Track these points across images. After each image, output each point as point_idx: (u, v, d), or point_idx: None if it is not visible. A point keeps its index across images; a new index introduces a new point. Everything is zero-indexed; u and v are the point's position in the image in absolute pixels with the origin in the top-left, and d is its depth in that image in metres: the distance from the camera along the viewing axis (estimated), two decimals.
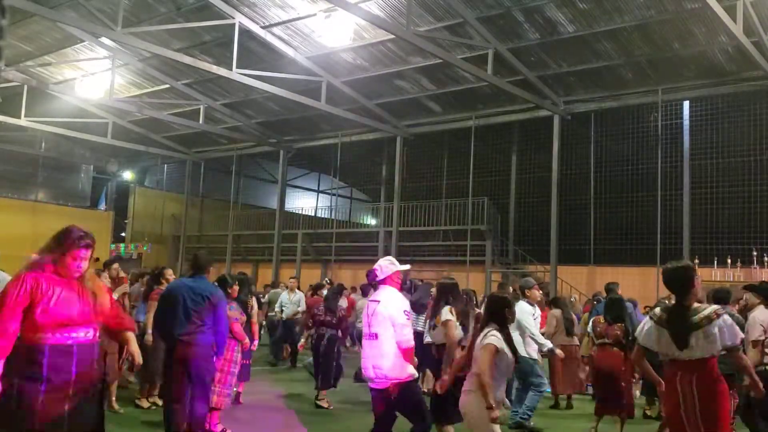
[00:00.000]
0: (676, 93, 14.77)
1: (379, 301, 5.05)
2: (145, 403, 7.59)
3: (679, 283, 4.05)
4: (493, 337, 4.36)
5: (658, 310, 4.21)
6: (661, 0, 11.80)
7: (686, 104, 16.04)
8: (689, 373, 3.92)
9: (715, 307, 3.98)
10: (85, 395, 3.48)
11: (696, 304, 3.99)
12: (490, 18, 13.04)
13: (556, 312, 9.04)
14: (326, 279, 15.32)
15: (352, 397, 8.74)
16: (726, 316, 3.95)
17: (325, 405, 8.16)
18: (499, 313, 4.54)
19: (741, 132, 15.32)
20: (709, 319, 3.88)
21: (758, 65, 12.31)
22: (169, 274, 7.86)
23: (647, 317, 4.28)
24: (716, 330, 3.86)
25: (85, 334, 3.50)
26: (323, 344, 8.30)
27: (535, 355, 7.49)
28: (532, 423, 7.40)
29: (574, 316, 9.45)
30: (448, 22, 13.43)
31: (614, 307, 7.22)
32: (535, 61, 14.41)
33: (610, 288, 9.24)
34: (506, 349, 4.37)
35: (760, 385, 4.13)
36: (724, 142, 15.61)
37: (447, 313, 6.22)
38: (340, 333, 8.80)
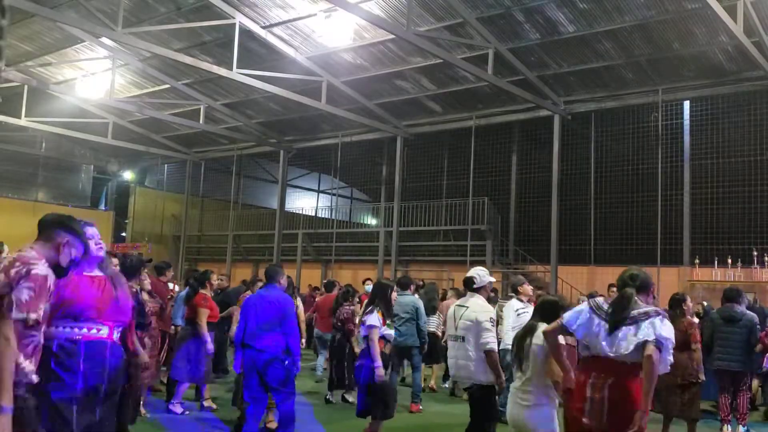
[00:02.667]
0: (677, 93, 14.78)
1: (467, 307, 5.47)
2: (178, 408, 7.48)
3: (628, 280, 3.93)
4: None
5: (601, 299, 4.07)
6: (661, 0, 11.80)
7: (686, 104, 16.04)
8: (603, 377, 3.72)
9: (655, 308, 3.80)
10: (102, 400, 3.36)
11: (639, 300, 3.82)
12: (491, 18, 13.04)
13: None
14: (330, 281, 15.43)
15: None
16: (665, 319, 3.74)
17: (351, 399, 8.58)
18: (553, 316, 4.34)
19: (741, 132, 15.31)
20: (646, 315, 3.71)
21: (758, 65, 12.30)
22: (214, 278, 7.96)
23: (586, 303, 4.07)
24: (647, 325, 3.67)
25: (98, 331, 3.38)
26: (334, 346, 8.80)
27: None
28: None
29: None
30: (448, 22, 13.43)
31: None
32: (535, 61, 14.42)
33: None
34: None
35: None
36: (725, 142, 15.59)
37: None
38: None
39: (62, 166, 25.42)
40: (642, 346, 3.64)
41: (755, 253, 13.81)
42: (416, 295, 9.08)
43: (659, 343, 3.63)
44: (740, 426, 7.35)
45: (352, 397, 8.56)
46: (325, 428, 7.31)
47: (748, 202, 15.04)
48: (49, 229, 3.16)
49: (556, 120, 15.80)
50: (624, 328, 3.72)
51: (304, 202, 26.26)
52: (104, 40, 16.04)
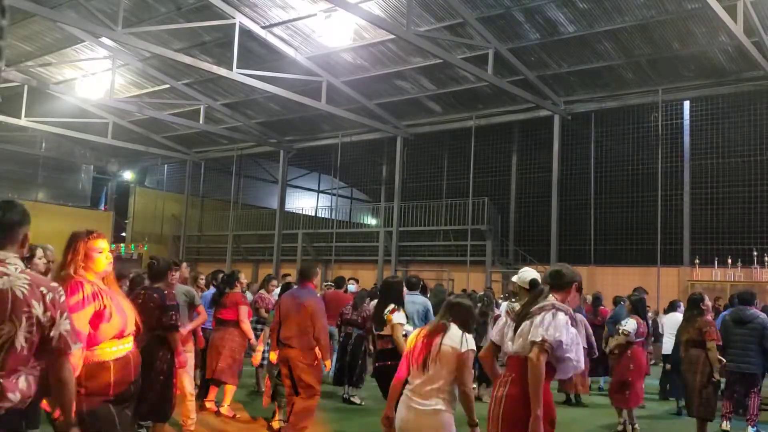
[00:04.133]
0: (677, 93, 14.78)
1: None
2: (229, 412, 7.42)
3: (547, 277, 3.82)
4: None
5: (516, 303, 4.03)
6: (661, 0, 11.81)
7: (686, 104, 16.04)
8: (507, 374, 3.59)
9: (553, 301, 3.56)
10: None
11: (551, 298, 3.62)
12: (490, 18, 13.05)
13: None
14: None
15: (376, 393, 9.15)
16: (558, 313, 3.48)
17: (357, 401, 8.56)
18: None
19: (741, 132, 15.31)
20: (541, 310, 3.52)
21: (758, 65, 12.31)
22: (242, 277, 7.93)
23: (504, 312, 4.03)
24: (538, 321, 3.46)
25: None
26: (350, 343, 8.74)
27: None
28: None
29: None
30: (448, 22, 13.43)
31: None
32: (535, 61, 14.42)
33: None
34: None
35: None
36: (725, 142, 15.59)
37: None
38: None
39: (62, 166, 25.43)
40: (532, 343, 3.45)
41: (755, 253, 13.82)
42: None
43: (547, 344, 3.40)
44: (749, 427, 7.37)
45: (357, 398, 8.59)
46: (337, 427, 7.34)
47: (748, 202, 15.04)
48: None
49: (556, 120, 15.80)
50: (524, 324, 3.56)
51: (304, 202, 26.24)
52: (104, 40, 16.04)
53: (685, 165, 16.12)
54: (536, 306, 3.55)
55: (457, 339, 3.83)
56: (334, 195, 23.58)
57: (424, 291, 9.40)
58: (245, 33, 14.30)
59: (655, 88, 14.61)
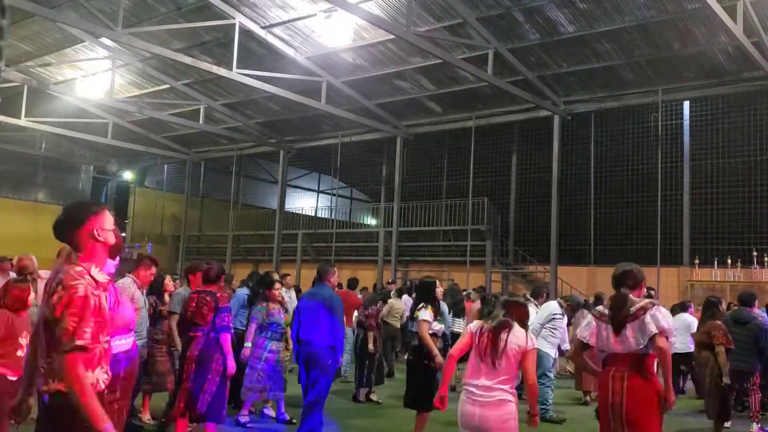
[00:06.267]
0: (676, 93, 14.78)
1: None
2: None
3: (617, 278, 4.21)
4: None
5: (600, 307, 4.35)
6: (661, 0, 11.80)
7: (686, 104, 16.04)
8: (621, 370, 4.00)
9: (648, 301, 4.06)
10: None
11: (634, 298, 4.09)
12: (490, 18, 13.04)
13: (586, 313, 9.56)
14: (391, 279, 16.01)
15: (397, 392, 9.36)
16: (660, 307, 4.05)
17: (375, 398, 8.73)
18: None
19: (741, 132, 15.31)
20: (644, 309, 3.96)
21: (758, 65, 12.31)
22: (277, 277, 7.94)
23: (589, 314, 4.43)
24: (648, 318, 3.93)
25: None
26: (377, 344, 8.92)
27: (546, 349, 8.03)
28: (552, 414, 7.91)
29: None
30: (448, 22, 13.43)
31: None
32: (535, 61, 14.42)
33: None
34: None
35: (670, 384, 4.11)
36: (725, 142, 15.59)
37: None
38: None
39: (62, 166, 25.42)
40: (651, 339, 3.92)
41: (755, 253, 13.82)
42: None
43: (664, 332, 3.93)
44: (754, 423, 7.52)
45: (376, 396, 8.78)
46: (352, 426, 7.38)
47: (748, 202, 15.05)
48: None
49: (556, 120, 15.80)
50: (627, 326, 3.99)
51: (304, 202, 26.26)
52: (104, 40, 16.04)
53: (684, 165, 16.13)
54: (636, 307, 3.99)
55: (522, 337, 4.12)
56: (334, 195, 23.59)
57: (410, 290, 9.70)
58: (245, 33, 14.29)
59: (655, 88, 14.61)
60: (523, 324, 4.26)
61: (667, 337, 3.94)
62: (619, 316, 4.01)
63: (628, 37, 13.02)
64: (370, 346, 8.71)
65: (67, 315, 2.50)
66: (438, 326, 6.00)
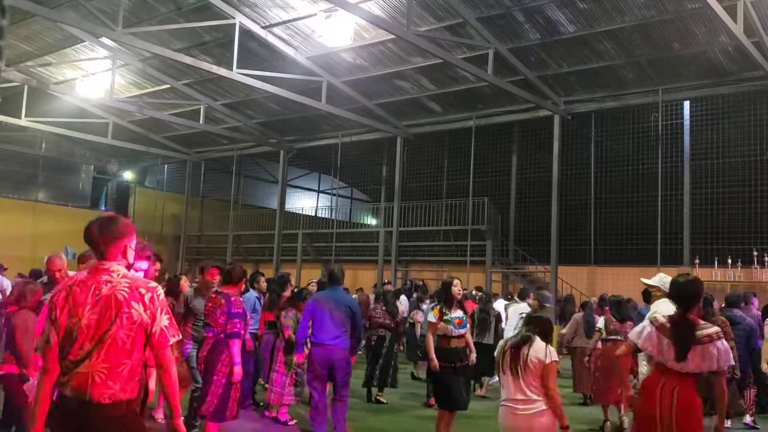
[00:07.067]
0: (677, 93, 14.78)
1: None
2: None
3: (689, 297, 4.09)
4: None
5: (659, 316, 4.22)
6: (661, 0, 11.80)
7: (686, 104, 16.04)
8: (672, 383, 3.97)
9: (716, 328, 4.01)
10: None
11: (700, 321, 4.05)
12: (490, 18, 13.04)
13: (578, 315, 9.71)
14: (386, 280, 15.89)
15: (408, 393, 9.50)
16: (724, 341, 4.02)
17: (383, 400, 8.80)
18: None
19: (741, 132, 15.31)
20: (711, 338, 3.93)
21: (758, 65, 12.31)
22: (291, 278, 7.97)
23: (647, 320, 4.29)
24: (714, 351, 3.92)
25: None
26: (386, 346, 8.95)
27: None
28: None
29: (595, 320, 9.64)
30: (448, 22, 13.44)
31: (620, 308, 8.32)
32: (535, 61, 14.42)
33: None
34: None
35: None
36: (725, 142, 15.59)
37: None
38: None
39: (62, 166, 25.41)
40: (710, 372, 3.97)
41: (755, 253, 13.81)
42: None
43: (724, 373, 4.07)
44: (747, 415, 7.91)
45: (383, 397, 8.84)
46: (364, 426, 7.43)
47: (748, 202, 15.05)
48: None
49: (556, 120, 15.79)
50: (695, 348, 3.94)
51: (304, 202, 26.26)
52: (104, 40, 16.04)
53: (685, 165, 16.13)
54: (703, 334, 3.93)
55: (542, 351, 4.20)
56: (334, 195, 23.59)
57: (416, 291, 9.65)
58: (245, 33, 14.30)
59: (655, 88, 14.61)
60: (547, 337, 4.35)
61: (724, 374, 4.07)
62: (686, 346, 3.93)
63: (629, 37, 13.02)
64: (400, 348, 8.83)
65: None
66: (462, 330, 6.06)
